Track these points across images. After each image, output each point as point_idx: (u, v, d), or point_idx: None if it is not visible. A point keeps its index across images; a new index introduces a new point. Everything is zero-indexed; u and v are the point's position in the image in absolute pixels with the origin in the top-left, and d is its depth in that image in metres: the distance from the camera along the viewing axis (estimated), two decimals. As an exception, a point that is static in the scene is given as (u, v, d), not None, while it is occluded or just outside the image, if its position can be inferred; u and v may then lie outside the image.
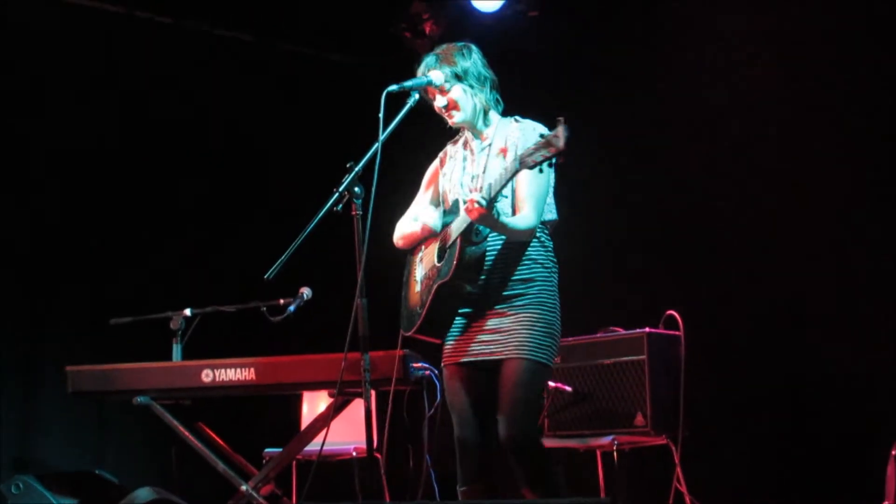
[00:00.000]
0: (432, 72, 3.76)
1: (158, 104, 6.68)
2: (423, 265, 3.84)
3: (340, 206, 3.53)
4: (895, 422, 4.80)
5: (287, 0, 6.83)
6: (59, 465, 5.99)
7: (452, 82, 3.75)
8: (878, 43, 5.29)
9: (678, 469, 5.32)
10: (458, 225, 3.60)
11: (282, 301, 4.88)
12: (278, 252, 3.58)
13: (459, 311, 3.73)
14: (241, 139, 7.03)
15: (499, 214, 3.50)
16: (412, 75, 3.81)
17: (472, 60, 3.80)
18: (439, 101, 3.80)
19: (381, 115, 3.55)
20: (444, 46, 3.84)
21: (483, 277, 3.65)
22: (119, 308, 5.29)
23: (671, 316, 5.46)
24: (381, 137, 3.57)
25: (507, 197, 3.64)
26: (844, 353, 5.30)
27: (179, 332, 4.90)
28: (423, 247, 3.90)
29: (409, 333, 3.80)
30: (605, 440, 5.30)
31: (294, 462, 5.77)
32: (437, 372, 4.52)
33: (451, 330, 3.77)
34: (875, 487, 4.58)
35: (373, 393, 3.62)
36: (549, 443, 5.52)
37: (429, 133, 4.05)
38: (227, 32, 7.08)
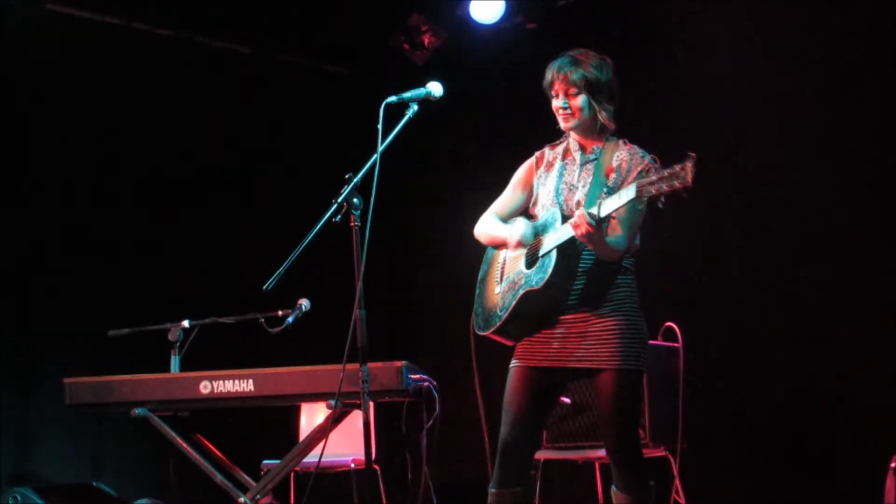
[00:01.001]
0: (431, 84, 3.73)
1: (156, 115, 6.68)
2: (506, 267, 3.76)
3: (339, 217, 3.52)
4: (894, 434, 4.79)
5: (285, 12, 6.84)
6: (57, 478, 5.96)
7: (581, 90, 3.61)
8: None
9: (677, 481, 5.32)
10: (557, 237, 3.54)
11: (280, 312, 4.87)
12: (277, 263, 3.57)
13: (542, 317, 3.64)
14: (240, 150, 7.03)
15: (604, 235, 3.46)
16: (410, 87, 3.79)
17: (609, 76, 3.66)
18: (560, 102, 3.65)
19: (379, 126, 3.55)
20: (581, 50, 3.68)
21: (574, 290, 3.58)
22: (117, 320, 5.29)
23: (670, 328, 5.46)
24: (380, 148, 3.56)
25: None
26: (843, 365, 5.29)
27: (178, 344, 4.89)
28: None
29: (485, 334, 3.72)
30: (604, 452, 5.27)
31: (292, 474, 5.76)
32: (435, 383, 4.51)
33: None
34: (874, 500, 4.57)
35: (371, 404, 3.61)
36: (547, 455, 5.51)
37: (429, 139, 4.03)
38: (225, 44, 7.09)
